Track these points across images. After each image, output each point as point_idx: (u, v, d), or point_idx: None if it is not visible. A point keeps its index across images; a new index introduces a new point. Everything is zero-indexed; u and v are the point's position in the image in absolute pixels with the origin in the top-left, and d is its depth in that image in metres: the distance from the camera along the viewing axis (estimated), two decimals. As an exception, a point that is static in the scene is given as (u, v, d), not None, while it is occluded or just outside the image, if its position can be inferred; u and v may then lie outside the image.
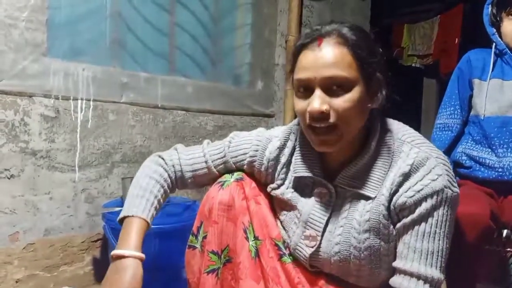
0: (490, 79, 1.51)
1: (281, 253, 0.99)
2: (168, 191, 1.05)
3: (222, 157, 1.05)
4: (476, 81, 1.55)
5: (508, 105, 1.47)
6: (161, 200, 1.02)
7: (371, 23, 3.45)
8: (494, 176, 1.47)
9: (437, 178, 0.85)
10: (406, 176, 0.87)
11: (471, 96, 1.57)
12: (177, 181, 1.07)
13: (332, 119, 0.84)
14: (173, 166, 1.06)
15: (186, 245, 1.55)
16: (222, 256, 0.99)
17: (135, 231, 0.93)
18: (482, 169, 1.50)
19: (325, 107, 0.83)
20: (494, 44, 1.53)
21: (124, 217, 0.97)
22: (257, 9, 2.62)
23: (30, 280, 1.69)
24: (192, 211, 1.76)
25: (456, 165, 1.58)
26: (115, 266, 0.89)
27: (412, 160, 0.87)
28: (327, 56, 0.84)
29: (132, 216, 0.95)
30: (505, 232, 1.41)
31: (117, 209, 1.76)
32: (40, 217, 1.71)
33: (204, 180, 1.08)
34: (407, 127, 0.96)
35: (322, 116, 0.84)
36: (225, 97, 2.41)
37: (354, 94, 0.84)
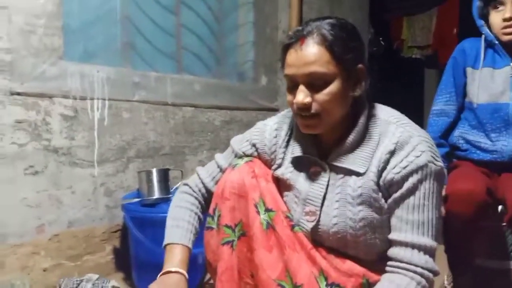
0: (482, 68, 1.58)
1: (293, 223, 1.06)
2: (201, 213, 1.16)
3: (233, 154, 1.17)
4: (469, 70, 1.62)
5: (499, 92, 1.54)
6: (195, 224, 1.13)
7: (370, 18, 3.53)
8: (488, 158, 1.55)
9: (420, 155, 0.94)
10: (392, 154, 0.96)
11: (465, 84, 1.64)
12: (206, 199, 1.18)
13: (313, 110, 0.96)
14: (198, 188, 1.18)
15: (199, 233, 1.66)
16: (236, 230, 1.07)
17: (177, 255, 1.04)
18: (478, 151, 1.58)
19: (307, 100, 0.95)
20: (483, 35, 1.60)
21: (165, 247, 1.07)
22: (258, 8, 2.72)
23: (56, 269, 1.80)
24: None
25: (454, 148, 1.67)
26: (159, 280, 1.00)
27: (397, 138, 0.96)
28: (307, 55, 0.94)
29: (172, 244, 1.06)
30: (500, 207, 1.50)
31: (135, 200, 1.88)
32: (63, 210, 1.83)
33: None
34: (394, 110, 1.06)
35: (305, 107, 0.96)
36: (231, 93, 2.51)
37: (333, 87, 0.95)
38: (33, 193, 1.74)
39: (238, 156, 1.16)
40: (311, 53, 0.94)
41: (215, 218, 1.11)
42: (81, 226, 1.88)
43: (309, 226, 1.05)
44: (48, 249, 1.78)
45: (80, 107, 1.86)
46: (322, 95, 0.95)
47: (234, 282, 1.08)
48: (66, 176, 1.83)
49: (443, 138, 1.68)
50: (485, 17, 1.59)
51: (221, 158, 1.20)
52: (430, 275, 0.95)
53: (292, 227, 1.06)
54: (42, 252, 1.77)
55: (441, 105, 1.70)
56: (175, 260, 1.03)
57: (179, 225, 1.09)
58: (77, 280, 1.66)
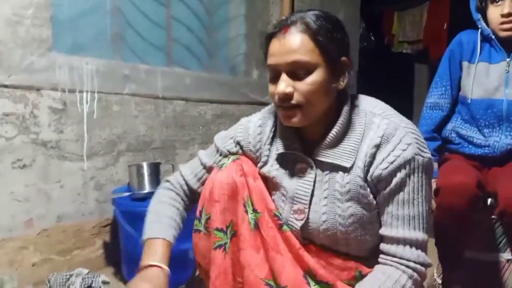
0: (477, 62, 1.57)
1: (281, 223, 1.04)
2: (183, 209, 1.13)
3: (217, 152, 1.13)
4: (465, 64, 1.61)
5: (493, 88, 1.53)
6: (178, 221, 1.09)
7: (361, 11, 3.53)
8: (480, 152, 1.56)
9: (407, 148, 0.92)
10: (378, 147, 0.94)
11: (460, 77, 1.64)
12: (188, 197, 1.15)
13: (294, 100, 0.93)
14: (179, 185, 1.14)
15: (188, 228, 1.65)
16: (228, 232, 1.04)
17: (158, 248, 1.00)
18: (470, 146, 1.59)
19: (288, 90, 0.92)
20: (479, 29, 1.59)
21: (144, 242, 1.03)
22: (250, 1, 2.70)
23: (45, 263, 1.78)
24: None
25: (446, 141, 1.67)
26: (140, 274, 0.95)
27: (383, 131, 0.94)
28: (290, 43, 0.92)
29: (152, 238, 1.02)
30: (489, 200, 1.51)
31: (126, 194, 1.86)
32: (52, 204, 1.80)
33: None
34: (378, 101, 1.03)
35: (287, 97, 0.93)
36: (222, 86, 2.49)
37: (315, 77, 0.92)
38: (22, 187, 1.72)
39: (223, 155, 1.12)
40: (294, 41, 0.92)
41: (202, 221, 1.07)
42: (71, 221, 1.86)
43: (298, 224, 1.03)
44: (37, 244, 1.76)
45: (69, 100, 1.83)
46: (305, 85, 0.92)
47: (228, 285, 1.05)
48: (55, 170, 1.80)
49: (436, 131, 1.68)
50: (482, 10, 1.58)
51: (205, 156, 1.15)
52: (423, 269, 0.95)
53: (280, 226, 1.04)
54: (31, 247, 1.75)
55: (436, 98, 1.70)
56: (156, 254, 0.98)
57: (160, 220, 1.06)
58: (66, 275, 1.65)
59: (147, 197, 1.82)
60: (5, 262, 1.67)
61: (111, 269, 1.93)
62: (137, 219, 1.69)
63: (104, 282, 1.72)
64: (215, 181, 1.05)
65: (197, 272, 1.91)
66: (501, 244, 1.57)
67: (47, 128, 1.77)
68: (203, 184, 1.12)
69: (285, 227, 1.04)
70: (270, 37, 0.96)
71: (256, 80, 2.72)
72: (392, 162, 0.92)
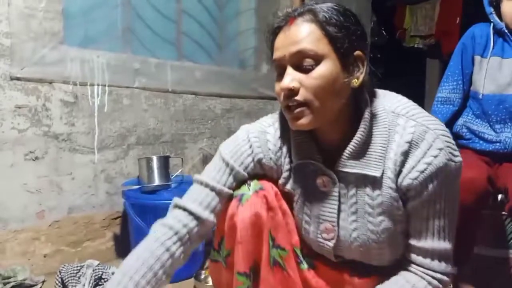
0: (490, 57, 1.55)
1: (299, 261, 0.99)
2: (182, 258, 0.93)
3: (230, 175, 0.96)
4: (477, 58, 1.59)
5: (506, 83, 1.52)
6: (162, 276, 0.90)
7: (373, 5, 3.50)
8: (491, 148, 1.55)
9: (439, 154, 0.83)
10: (406, 154, 0.85)
11: (472, 72, 1.62)
12: (196, 234, 0.93)
13: (300, 97, 0.83)
14: (181, 224, 0.91)
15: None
16: (251, 274, 0.96)
17: None
18: (481, 142, 1.57)
19: (293, 84, 0.83)
20: (492, 23, 1.57)
21: None
22: (260, -6, 2.69)
23: (57, 254, 1.81)
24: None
25: (456, 136, 1.65)
26: None
27: (411, 136, 0.84)
28: (295, 33, 0.83)
29: None
30: (500, 196, 1.50)
31: (135, 187, 1.88)
32: (63, 196, 1.83)
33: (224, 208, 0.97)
34: (399, 97, 0.93)
35: (292, 93, 0.83)
36: (232, 81, 2.49)
37: (323, 69, 0.82)
38: (34, 179, 1.74)
39: (238, 177, 0.96)
40: (300, 30, 0.83)
41: (222, 254, 0.98)
42: (82, 213, 1.88)
43: (330, 244, 0.95)
44: (48, 235, 1.79)
45: (80, 93, 1.84)
46: (311, 79, 0.82)
47: None
48: (66, 162, 1.82)
49: (447, 126, 1.66)
50: (495, 4, 1.56)
51: (211, 179, 0.94)
52: (448, 279, 0.91)
53: (298, 264, 0.98)
54: (43, 237, 1.77)
55: (447, 92, 1.68)
56: None
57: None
58: (77, 266, 1.67)
59: (157, 190, 1.84)
60: (17, 253, 1.70)
61: (121, 261, 1.93)
62: (147, 212, 1.72)
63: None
64: (237, 218, 0.92)
65: (206, 265, 1.93)
66: (511, 241, 1.56)
67: (58, 120, 1.79)
68: (217, 215, 0.95)
69: (302, 265, 0.99)
70: (275, 31, 0.88)
71: (265, 74, 2.72)
72: (423, 172, 0.83)
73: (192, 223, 0.92)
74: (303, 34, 0.83)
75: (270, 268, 0.96)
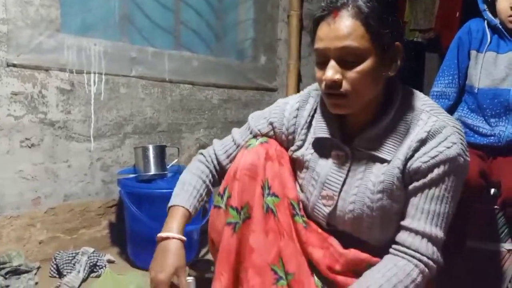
0: (486, 51, 1.55)
1: (294, 212, 1.04)
2: (210, 183, 1.14)
3: (249, 132, 1.14)
4: (473, 53, 1.59)
5: (501, 78, 1.53)
6: (202, 192, 1.11)
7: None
8: (485, 142, 1.56)
9: (451, 146, 0.90)
10: (422, 142, 0.92)
11: (468, 66, 1.62)
12: (217, 171, 1.16)
13: (343, 88, 0.90)
14: (210, 158, 1.16)
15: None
16: (241, 213, 1.04)
17: (177, 217, 1.04)
18: (476, 135, 1.58)
19: (337, 77, 0.90)
20: (485, 20, 1.57)
21: (168, 209, 1.08)
22: (260, -15, 2.67)
23: (52, 241, 1.82)
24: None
25: None
26: (160, 247, 1.01)
27: (430, 127, 0.92)
28: (341, 28, 0.88)
29: (174, 206, 1.06)
30: (492, 190, 1.51)
31: (131, 175, 1.88)
32: (59, 183, 1.83)
33: None
34: (427, 97, 1.01)
35: (335, 84, 0.90)
36: (229, 71, 2.49)
37: (366, 65, 0.89)
38: (29, 166, 1.74)
39: (253, 135, 1.13)
40: (345, 26, 0.88)
41: (224, 198, 1.08)
42: (77, 200, 1.89)
43: (326, 210, 1.03)
44: (44, 222, 1.80)
45: (76, 80, 1.84)
46: (354, 73, 0.89)
47: (229, 264, 1.05)
48: (62, 150, 1.82)
49: None
50: (487, 1, 1.57)
51: (237, 134, 1.16)
52: (434, 266, 0.94)
53: (293, 216, 1.04)
54: (38, 224, 1.78)
55: (442, 87, 1.69)
56: (174, 225, 1.02)
57: (184, 189, 1.09)
58: (72, 253, 1.68)
59: (153, 179, 1.84)
60: (13, 239, 1.71)
61: (116, 249, 1.97)
62: (142, 201, 1.73)
63: (109, 261, 1.76)
64: (240, 161, 1.06)
65: (201, 254, 1.94)
66: (502, 234, 1.57)
67: (55, 108, 1.79)
68: (232, 161, 1.13)
69: (297, 217, 1.05)
70: (318, 20, 0.93)
71: (263, 65, 2.71)
72: (434, 157, 0.91)
73: (215, 163, 1.16)
74: (348, 31, 0.88)
75: (264, 214, 1.03)
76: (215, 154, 1.16)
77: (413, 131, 0.94)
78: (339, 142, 1.01)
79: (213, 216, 1.12)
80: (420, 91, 1.03)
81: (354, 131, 1.00)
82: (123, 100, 2.01)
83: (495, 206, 1.54)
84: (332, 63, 0.90)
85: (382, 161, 0.96)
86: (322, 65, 0.93)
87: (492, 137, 1.54)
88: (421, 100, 0.98)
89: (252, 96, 2.62)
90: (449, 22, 3.80)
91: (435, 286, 1.08)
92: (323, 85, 0.93)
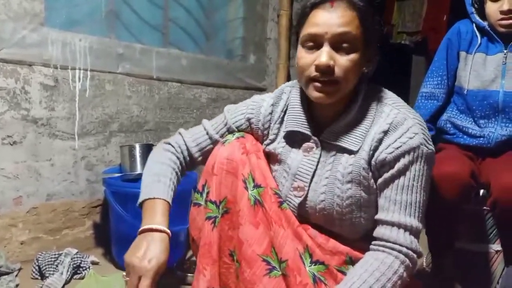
0: (475, 53, 1.55)
1: (281, 200, 1.05)
2: (180, 174, 1.12)
3: (224, 125, 1.14)
4: (462, 54, 1.59)
5: (490, 79, 1.52)
6: (175, 183, 1.08)
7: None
8: (474, 143, 1.56)
9: (413, 136, 0.94)
10: (385, 133, 0.96)
11: (457, 68, 1.62)
12: (187, 163, 1.14)
13: (336, 75, 0.93)
14: (180, 149, 1.13)
15: (181, 210, 1.63)
16: (220, 207, 1.05)
17: (160, 210, 0.99)
18: (465, 136, 1.58)
19: (331, 62, 0.92)
20: (474, 23, 1.58)
21: (144, 202, 1.02)
22: (250, -17, 2.65)
23: (34, 242, 1.77)
24: (188, 177, 1.84)
25: (441, 131, 1.66)
26: (145, 237, 0.93)
27: (392, 119, 0.97)
28: (341, 15, 0.92)
29: (153, 198, 1.00)
30: (481, 191, 1.51)
31: (117, 175, 1.84)
32: (42, 182, 1.78)
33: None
34: (390, 93, 1.06)
35: (328, 70, 0.92)
36: (219, 70, 2.46)
37: (356, 55, 0.94)
38: (11, 164, 1.69)
39: (230, 130, 1.13)
40: (344, 15, 0.93)
41: (204, 195, 1.08)
42: (60, 200, 1.84)
43: (296, 201, 1.05)
44: (26, 222, 1.74)
45: (61, 76, 1.79)
46: (346, 61, 0.93)
47: (211, 258, 1.06)
48: (46, 147, 1.77)
49: (430, 121, 1.67)
50: (477, 3, 1.57)
51: (210, 126, 1.15)
52: (415, 255, 0.96)
53: (280, 204, 1.04)
54: (20, 224, 1.73)
55: (431, 88, 1.68)
56: (157, 217, 0.97)
57: (160, 181, 1.04)
58: (55, 254, 1.63)
59: (139, 178, 1.80)
60: (-7, 239, 1.66)
61: (100, 250, 1.92)
62: (128, 200, 1.69)
63: (93, 263, 1.72)
64: (217, 156, 1.06)
65: (188, 255, 1.91)
66: (491, 235, 1.58)
67: (38, 104, 1.74)
68: (203, 154, 1.13)
69: (284, 205, 1.04)
70: (313, 6, 0.95)
71: (252, 64, 2.69)
72: (397, 148, 0.95)
73: (185, 154, 1.13)
74: (348, 19, 0.92)
75: (251, 206, 1.02)
76: (186, 145, 1.14)
77: (377, 123, 0.98)
78: (310, 134, 1.04)
79: (193, 214, 1.12)
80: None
81: (323, 124, 1.03)
82: (109, 98, 1.96)
83: (484, 207, 1.54)
84: (327, 48, 0.93)
85: (350, 152, 1.00)
86: (310, 50, 0.95)
87: (482, 138, 1.54)
88: (385, 95, 1.03)
89: (242, 95, 2.59)
90: (436, 25, 3.83)
91: (423, 286, 1.08)
92: (311, 69, 0.94)
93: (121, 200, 1.69)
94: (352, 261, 1.03)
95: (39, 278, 1.59)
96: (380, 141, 0.97)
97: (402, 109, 0.99)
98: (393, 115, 0.97)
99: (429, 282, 1.56)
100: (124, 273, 0.93)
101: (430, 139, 0.99)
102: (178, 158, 1.12)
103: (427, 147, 0.96)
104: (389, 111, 0.98)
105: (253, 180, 1.04)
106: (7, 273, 1.53)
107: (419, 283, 1.19)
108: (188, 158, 1.14)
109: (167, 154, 1.12)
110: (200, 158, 1.14)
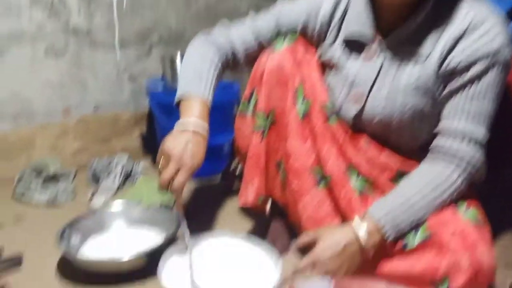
0: None
1: (328, 115, 1.00)
2: (222, 71, 1.04)
3: (274, 27, 1.03)
4: None
5: None
6: (217, 82, 1.02)
7: None
8: None
9: (493, 39, 0.84)
10: (461, 37, 0.86)
11: None
12: (229, 62, 1.06)
13: None
14: (225, 45, 1.04)
15: (225, 122, 1.63)
16: (268, 118, 1.02)
17: (199, 107, 0.94)
18: None
19: None
20: None
21: (181, 100, 0.97)
22: None
23: (85, 150, 1.84)
24: (230, 88, 1.81)
25: None
26: (180, 134, 0.91)
27: (469, 22, 0.86)
28: None
29: (194, 96, 0.96)
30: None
31: (160, 85, 1.84)
32: (88, 93, 1.81)
33: (258, 56, 1.05)
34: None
35: None
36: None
37: None
38: (57, 75, 1.72)
39: (281, 31, 1.03)
40: None
41: (251, 104, 1.05)
42: (107, 110, 1.88)
43: (353, 111, 0.99)
44: (75, 131, 1.81)
45: (96, -16, 1.73)
46: None
47: (259, 168, 1.06)
48: (88, 58, 1.77)
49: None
50: None
51: (258, 25, 1.04)
52: (478, 166, 0.89)
53: (327, 119, 1.00)
54: (70, 134, 1.80)
55: None
56: (196, 111, 0.94)
57: (202, 78, 0.98)
58: (107, 160, 1.69)
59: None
60: (46, 147, 1.74)
61: (149, 158, 1.97)
62: (172, 111, 1.68)
63: (143, 169, 1.78)
64: (266, 64, 1.00)
65: (232, 166, 1.94)
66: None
67: (76, 14, 1.71)
68: (247, 57, 1.06)
69: (331, 120, 1.00)
70: None
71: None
72: (475, 51, 0.85)
73: (229, 53, 1.04)
74: None
75: (300, 120, 0.99)
76: (232, 42, 1.04)
77: (451, 27, 0.87)
78: (371, 38, 0.94)
79: (239, 123, 1.10)
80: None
81: (388, 30, 0.93)
82: (147, 8, 1.89)
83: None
84: None
85: (416, 60, 0.90)
86: None
87: None
88: None
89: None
90: None
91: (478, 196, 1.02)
92: None
93: (166, 111, 1.70)
94: (403, 177, 0.98)
95: (94, 182, 1.67)
96: (453, 46, 0.87)
97: (482, 7, 0.88)
98: (470, 17, 0.86)
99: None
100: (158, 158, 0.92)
101: (511, 43, 0.88)
102: (222, 55, 1.03)
103: (508, 50, 0.86)
104: (466, 12, 0.87)
105: (303, 93, 0.99)
106: (63, 179, 1.62)
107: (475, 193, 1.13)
108: (231, 57, 1.05)
109: (211, 48, 1.03)
110: (243, 60, 1.06)
